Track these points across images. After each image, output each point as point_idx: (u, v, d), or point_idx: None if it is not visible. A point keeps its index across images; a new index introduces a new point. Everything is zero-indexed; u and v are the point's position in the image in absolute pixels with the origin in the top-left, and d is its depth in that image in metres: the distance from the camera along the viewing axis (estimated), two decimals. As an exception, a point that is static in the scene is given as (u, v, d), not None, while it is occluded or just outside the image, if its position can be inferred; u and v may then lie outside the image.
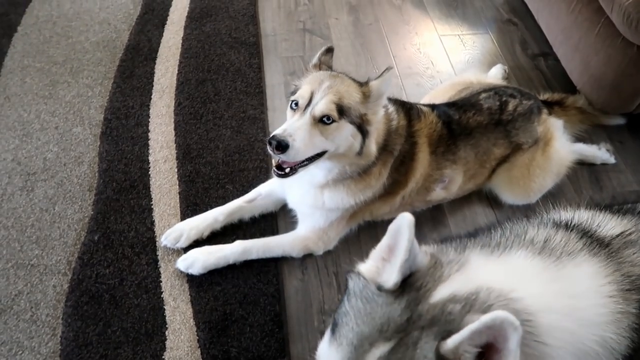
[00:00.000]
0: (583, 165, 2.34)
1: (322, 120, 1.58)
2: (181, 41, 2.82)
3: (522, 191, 2.13)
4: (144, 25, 2.90)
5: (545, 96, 2.41)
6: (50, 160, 2.24)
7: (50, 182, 2.17)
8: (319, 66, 1.76)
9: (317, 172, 1.75)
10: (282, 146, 1.52)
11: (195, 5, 3.05)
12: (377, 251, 0.94)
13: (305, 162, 1.63)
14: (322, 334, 1.75)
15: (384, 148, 1.76)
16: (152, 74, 2.64)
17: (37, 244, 1.97)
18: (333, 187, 1.79)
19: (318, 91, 1.60)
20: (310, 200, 1.84)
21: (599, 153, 2.36)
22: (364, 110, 1.64)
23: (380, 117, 1.69)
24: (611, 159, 2.36)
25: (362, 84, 1.68)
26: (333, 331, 0.89)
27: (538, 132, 2.08)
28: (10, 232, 2.00)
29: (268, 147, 1.55)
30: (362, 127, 1.64)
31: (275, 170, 1.65)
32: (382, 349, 0.80)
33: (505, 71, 2.72)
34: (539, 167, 2.10)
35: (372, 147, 1.69)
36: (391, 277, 0.86)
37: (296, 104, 1.64)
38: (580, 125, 2.45)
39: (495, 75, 2.68)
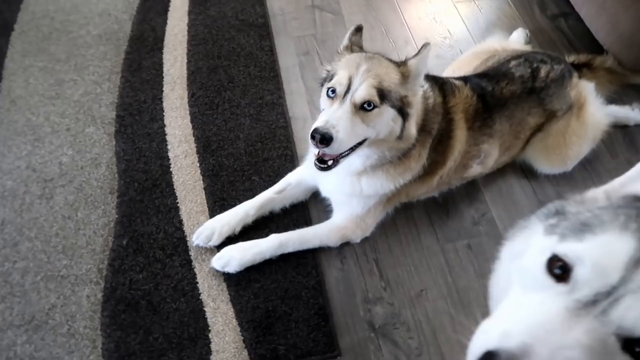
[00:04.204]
0: (616, 128, 2.26)
1: (363, 107, 1.49)
2: (187, 27, 2.69)
3: (559, 160, 2.07)
4: (145, 13, 2.76)
5: (571, 58, 2.31)
6: (66, 165, 2.15)
7: (69, 187, 2.08)
8: (350, 48, 1.65)
9: (354, 159, 1.66)
10: (326, 139, 1.44)
11: (196, -12, 2.90)
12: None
13: (346, 152, 1.55)
14: (369, 324, 1.74)
15: (422, 128, 1.68)
16: (160, 64, 2.52)
17: (64, 254, 1.89)
18: (371, 173, 1.71)
19: (356, 76, 1.49)
20: (347, 188, 1.76)
21: (632, 114, 2.29)
22: (404, 92, 1.54)
23: (419, 97, 1.60)
24: (645, 120, 2.28)
25: (400, 64, 1.58)
26: (582, 232, 0.75)
27: (571, 98, 2.00)
28: (34, 243, 1.92)
29: (311, 141, 1.47)
30: (402, 110, 1.55)
31: (317, 163, 1.57)
32: None
33: (527, 35, 2.60)
34: (574, 134, 2.02)
35: (413, 129, 1.61)
36: None
37: (333, 92, 1.53)
38: (610, 86, 2.36)
39: (517, 40, 2.57)
